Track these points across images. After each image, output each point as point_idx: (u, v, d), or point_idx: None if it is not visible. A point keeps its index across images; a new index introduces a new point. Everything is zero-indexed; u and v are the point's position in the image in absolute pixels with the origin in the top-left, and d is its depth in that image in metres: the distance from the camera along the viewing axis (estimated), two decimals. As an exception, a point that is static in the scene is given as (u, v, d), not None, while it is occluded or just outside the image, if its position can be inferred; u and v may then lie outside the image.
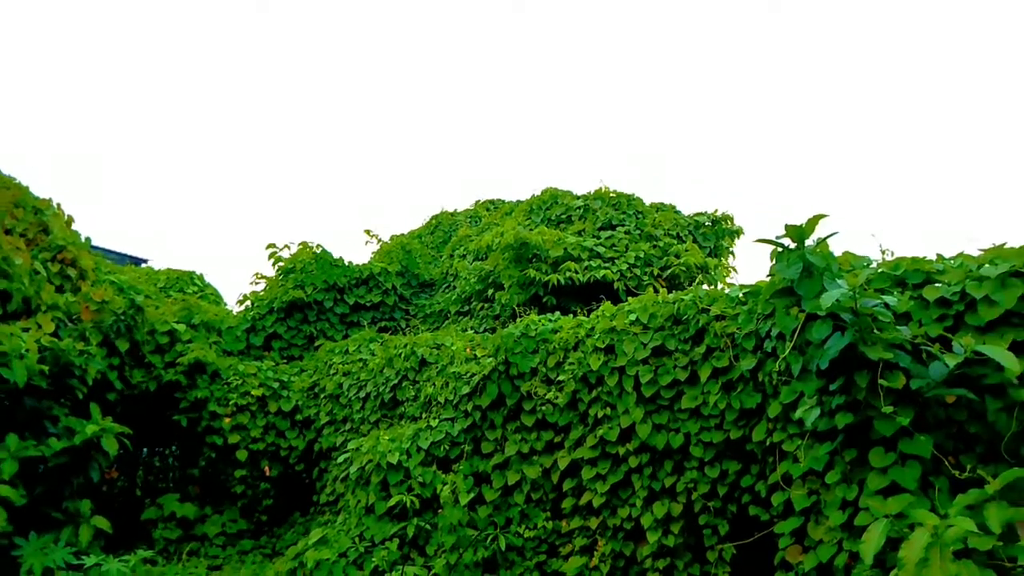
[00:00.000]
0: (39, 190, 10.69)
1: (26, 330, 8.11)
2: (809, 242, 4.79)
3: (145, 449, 11.18)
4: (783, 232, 4.89)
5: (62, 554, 7.07)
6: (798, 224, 4.79)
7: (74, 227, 11.04)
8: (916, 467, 4.06)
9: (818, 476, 4.72)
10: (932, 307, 4.47)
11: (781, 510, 5.10)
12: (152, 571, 7.76)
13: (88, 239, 11.29)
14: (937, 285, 4.56)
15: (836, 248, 4.97)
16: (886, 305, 4.31)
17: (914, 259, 4.85)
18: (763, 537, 5.33)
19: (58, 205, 10.88)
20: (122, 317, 9.60)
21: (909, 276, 4.75)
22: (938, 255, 4.89)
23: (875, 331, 4.22)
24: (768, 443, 5.27)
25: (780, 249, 4.86)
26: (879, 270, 4.90)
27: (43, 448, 7.56)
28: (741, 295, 5.78)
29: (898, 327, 4.23)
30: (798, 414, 4.71)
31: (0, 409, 7.69)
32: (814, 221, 4.77)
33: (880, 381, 4.12)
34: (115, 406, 9.34)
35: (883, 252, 5.25)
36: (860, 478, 4.38)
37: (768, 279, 5.21)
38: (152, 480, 11.18)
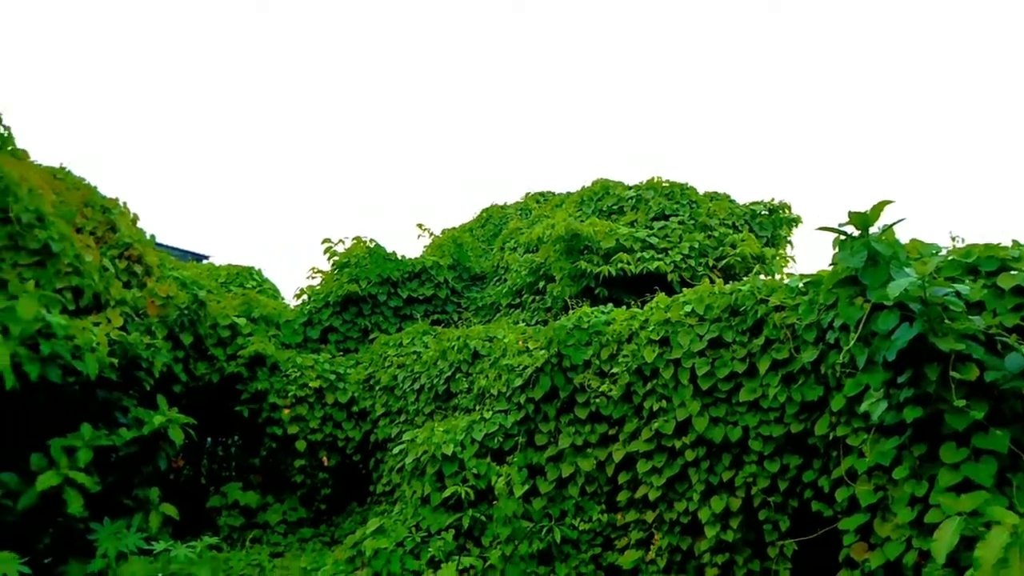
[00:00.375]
0: (105, 190, 11.11)
1: (96, 324, 8.45)
2: (874, 229, 4.63)
3: (209, 439, 11.55)
4: (845, 220, 4.74)
5: (134, 539, 7.36)
6: (862, 211, 4.63)
7: (139, 225, 11.47)
8: (992, 463, 3.89)
9: (885, 472, 4.56)
10: (1008, 296, 4.26)
11: (845, 506, 4.95)
12: (217, 557, 8.01)
13: (153, 236, 11.72)
14: (1013, 272, 4.35)
15: (903, 236, 4.80)
16: (958, 294, 4.13)
17: (987, 246, 4.63)
18: (826, 534, 5.19)
19: (124, 204, 11.29)
20: (186, 311, 9.93)
21: (982, 263, 4.54)
22: (1014, 241, 4.66)
23: (946, 321, 4.05)
24: (831, 437, 5.12)
25: (843, 237, 4.71)
26: (949, 258, 4.70)
27: (114, 438, 7.88)
28: (801, 285, 5.62)
29: (970, 317, 4.05)
30: (863, 408, 4.56)
31: (74, 400, 8.04)
32: (879, 207, 4.60)
33: (952, 373, 3.96)
34: (180, 398, 9.66)
35: (953, 239, 5.04)
36: (930, 474, 4.22)
37: (830, 268, 5.05)
38: (216, 469, 11.54)
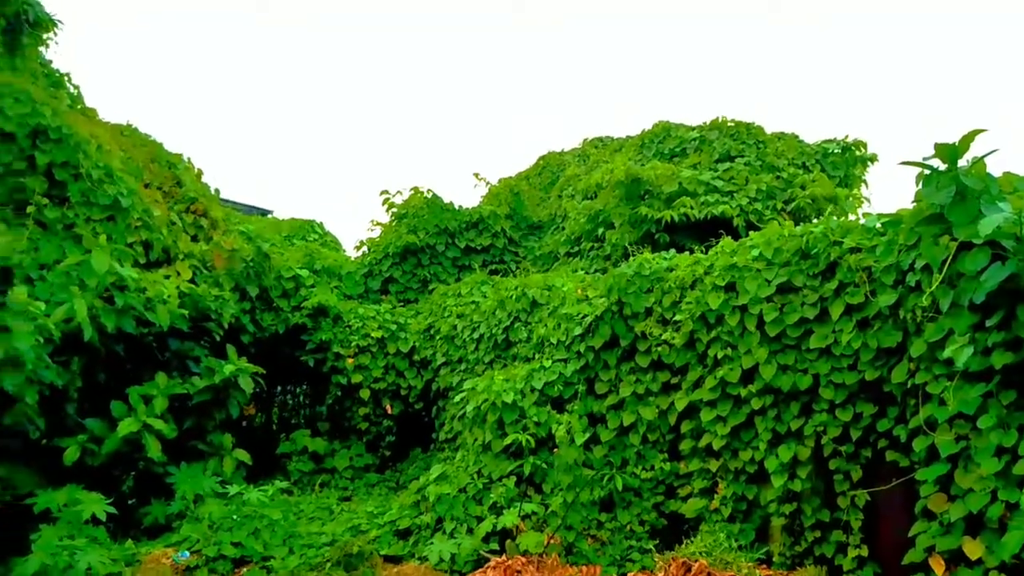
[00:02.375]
0: (168, 147, 11.35)
1: (167, 277, 8.72)
2: (962, 163, 4.30)
3: (278, 388, 11.93)
4: (931, 153, 4.40)
5: (210, 482, 7.70)
6: (950, 143, 4.29)
7: (203, 180, 11.71)
8: (1090, 411, 3.61)
9: (968, 420, 4.30)
10: (1116, 231, 3.89)
11: (924, 456, 4.72)
12: (288, 500, 8.31)
13: (217, 191, 11.94)
14: (1123, 206, 3.96)
15: (995, 170, 4.43)
16: (1059, 230, 3.79)
17: (1093, 177, 4.23)
18: (902, 484, 4.97)
19: (189, 159, 11.54)
20: (251, 264, 10.15)
21: (1087, 197, 4.15)
22: (1124, 171, 4.23)
23: (1044, 260, 3.73)
24: (909, 384, 4.86)
25: (928, 172, 4.39)
26: (1049, 191, 4.31)
27: (187, 386, 8.19)
28: (879, 225, 5.28)
29: (1073, 255, 3.72)
30: (947, 353, 4.29)
31: (148, 350, 8.36)
32: (969, 138, 4.26)
33: (1049, 316, 3.67)
34: (248, 348, 9.96)
35: (1053, 171, 4.61)
36: (1019, 423, 3.97)
37: (912, 206, 4.73)
38: (286, 417, 11.95)
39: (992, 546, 4.09)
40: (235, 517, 6.80)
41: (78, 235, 7.95)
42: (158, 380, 7.90)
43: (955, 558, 4.41)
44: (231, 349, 8.77)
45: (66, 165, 8.18)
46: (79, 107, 10.50)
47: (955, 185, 4.18)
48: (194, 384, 8.24)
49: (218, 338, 9.09)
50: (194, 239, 10.33)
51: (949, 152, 4.26)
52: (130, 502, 7.64)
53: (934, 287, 4.34)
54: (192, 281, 9.22)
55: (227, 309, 9.21)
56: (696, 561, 4.87)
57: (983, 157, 4.26)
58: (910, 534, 4.69)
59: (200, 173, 11.70)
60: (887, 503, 5.21)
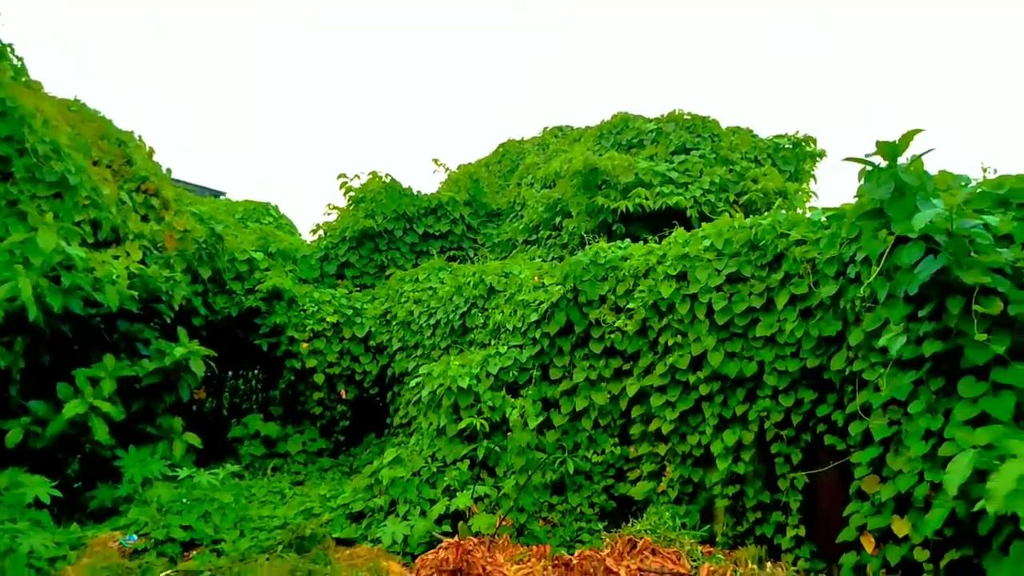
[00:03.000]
0: (119, 124, 11.04)
1: (116, 257, 8.53)
2: (902, 160, 4.48)
3: (230, 372, 11.77)
4: (873, 150, 4.58)
5: (158, 465, 7.60)
6: (890, 140, 4.47)
7: (155, 159, 11.44)
8: (1010, 397, 3.84)
9: (900, 406, 4.54)
10: (1038, 228, 4.13)
11: (859, 440, 4.95)
12: (240, 484, 8.25)
13: (169, 170, 11.68)
14: (1046, 205, 4.20)
15: (931, 168, 4.63)
16: (985, 226, 4.00)
17: (1020, 176, 4.47)
18: (838, 466, 5.21)
19: (140, 137, 11.25)
20: (204, 245, 9.97)
21: (1014, 195, 4.39)
22: (1048, 172, 4.48)
23: (972, 254, 3.94)
24: (847, 372, 5.09)
25: (870, 168, 4.56)
26: (979, 189, 4.54)
27: (137, 368, 8.05)
28: (824, 219, 5.49)
29: (998, 249, 3.93)
30: (882, 342, 4.50)
31: (96, 332, 8.18)
32: (908, 137, 4.44)
33: (974, 307, 3.89)
34: (200, 331, 9.81)
35: (984, 170, 4.86)
36: (946, 408, 4.19)
37: (855, 201, 4.92)
38: (237, 402, 11.80)
39: (917, 524, 4.33)
40: (185, 500, 6.73)
41: (23, 212, 7.73)
42: (106, 362, 7.74)
43: (884, 536, 4.65)
44: (182, 331, 8.63)
45: (10, 139, 7.92)
46: (23, 80, 10.13)
47: (894, 182, 4.36)
48: (143, 366, 8.10)
49: (169, 320, 8.93)
50: (144, 219, 10.10)
51: (889, 150, 4.44)
52: (76, 486, 7.49)
53: (872, 279, 4.53)
54: (142, 262, 9.03)
55: (178, 291, 9.05)
56: (641, 538, 5.03)
57: (920, 156, 4.45)
58: (844, 514, 4.92)
59: (152, 152, 11.43)
60: (824, 485, 5.44)
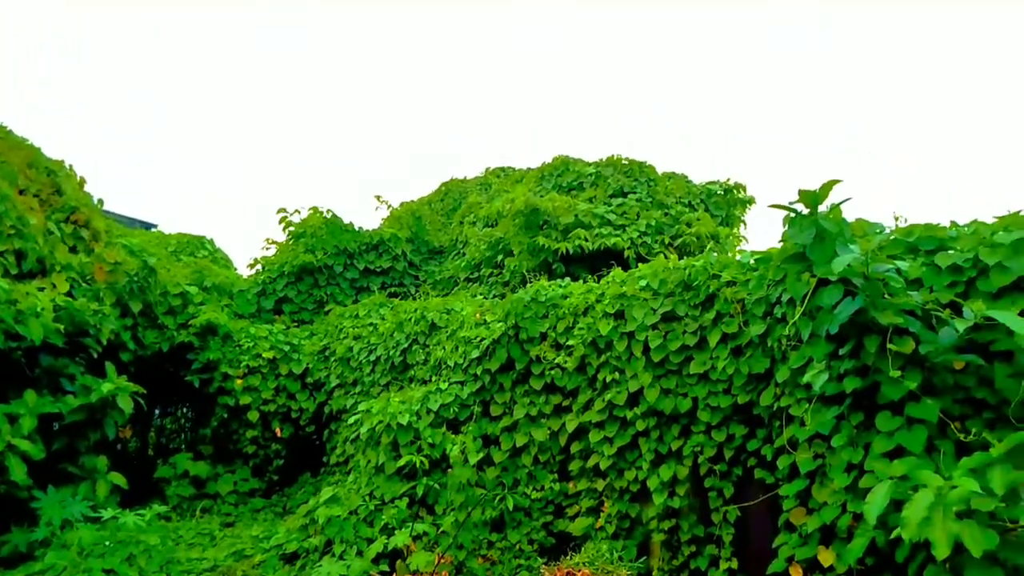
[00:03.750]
0: (49, 153, 10.71)
1: (41, 289, 8.21)
2: (822, 208, 4.78)
3: (158, 409, 11.35)
4: (796, 198, 4.88)
5: (80, 507, 7.24)
6: (812, 189, 4.78)
7: (85, 189, 11.10)
8: (922, 431, 4.10)
9: (824, 440, 4.77)
10: (944, 273, 4.47)
11: (787, 473, 5.17)
12: (167, 525, 7.93)
13: (100, 200, 11.34)
14: (950, 252, 4.55)
15: (849, 216, 4.97)
16: (898, 270, 4.31)
17: (928, 226, 4.84)
18: (768, 500, 5.40)
19: (70, 167, 10.91)
20: (135, 278, 9.69)
21: (922, 243, 4.74)
22: (952, 222, 4.87)
23: (886, 296, 4.23)
24: (775, 407, 5.32)
25: (793, 214, 4.86)
26: (892, 236, 4.89)
27: (60, 405, 7.70)
28: (752, 261, 5.78)
29: (909, 292, 4.23)
30: (806, 378, 4.75)
31: (17, 366, 7.82)
32: (828, 187, 4.75)
33: (889, 345, 4.15)
34: (128, 366, 9.46)
35: (896, 219, 5.23)
36: (866, 442, 4.43)
37: (780, 245, 5.21)
38: (164, 442, 11.36)
39: (841, 554, 4.53)
40: (108, 543, 6.42)
41: (-59, 240, 7.38)
42: (27, 398, 7.39)
43: (812, 566, 4.84)
44: (110, 367, 8.32)
45: (-69, 165, 7.60)
46: (-53, 104, 9.76)
47: (815, 228, 4.65)
48: (67, 403, 7.75)
49: (95, 355, 8.59)
50: (73, 250, 9.77)
51: (811, 198, 4.75)
52: (-13, 529, 7.07)
53: (797, 318, 4.79)
54: (69, 294, 8.72)
55: (106, 324, 8.74)
56: (580, 570, 5.09)
57: (839, 204, 4.77)
58: (773, 545, 5.10)
59: (83, 181, 11.09)
60: (755, 518, 5.63)
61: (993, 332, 4.03)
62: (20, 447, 7.01)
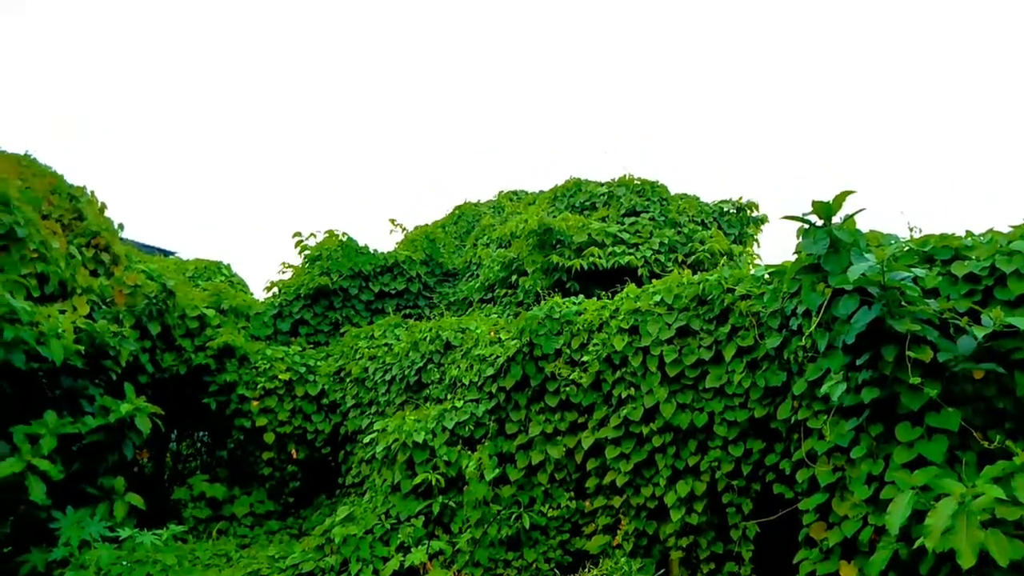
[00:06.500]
0: (70, 180, 10.93)
1: (62, 312, 8.33)
2: (836, 219, 4.78)
3: (175, 432, 11.40)
4: (809, 210, 4.89)
5: (98, 528, 7.27)
6: (825, 201, 4.79)
7: (106, 214, 11.30)
8: (943, 440, 4.05)
9: (843, 452, 4.72)
10: (960, 282, 4.45)
11: (806, 487, 5.10)
12: (184, 547, 7.93)
13: (121, 225, 11.54)
14: (966, 261, 4.53)
15: (863, 227, 4.97)
16: (915, 279, 4.29)
17: (943, 236, 4.82)
18: (787, 514, 5.34)
19: (92, 192, 11.13)
20: (154, 301, 9.81)
21: (937, 252, 4.73)
22: (967, 231, 4.86)
23: (903, 304, 4.21)
24: (793, 421, 5.28)
25: (807, 226, 4.86)
26: (907, 247, 4.88)
27: (79, 425, 7.77)
28: (766, 274, 5.78)
29: (926, 300, 4.21)
30: (824, 390, 4.72)
31: (38, 387, 7.91)
32: (841, 197, 4.76)
33: (908, 353, 4.12)
34: (146, 388, 9.54)
35: (911, 230, 5.22)
36: (886, 453, 4.38)
37: (794, 257, 5.21)
38: (181, 468, 11.38)
39: (863, 568, 4.45)
40: (125, 563, 6.46)
41: (-34, 264, 7.53)
42: (47, 419, 7.46)
43: (833, 582, 4.76)
44: (129, 388, 8.39)
45: (-43, 191, 7.79)
46: (-27, 133, 10.01)
47: (829, 238, 4.66)
48: (86, 423, 7.82)
49: (115, 377, 8.69)
50: (94, 274, 9.93)
51: (824, 209, 4.75)
52: (6, 550, 7.10)
53: (812, 330, 4.77)
54: (90, 317, 8.84)
55: (125, 346, 8.83)
56: (598, 585, 5.04)
57: (854, 214, 4.77)
58: (794, 561, 5.02)
59: (103, 207, 11.30)
60: (775, 533, 5.55)
61: (1013, 340, 4.00)
62: (40, 467, 7.07)
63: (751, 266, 10.11)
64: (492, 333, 8.06)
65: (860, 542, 4.50)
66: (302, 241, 13.28)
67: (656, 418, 6.20)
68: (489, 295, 12.06)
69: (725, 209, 11.65)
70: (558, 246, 10.45)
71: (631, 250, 10.23)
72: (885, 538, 4.23)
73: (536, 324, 7.23)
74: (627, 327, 6.59)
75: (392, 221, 15.12)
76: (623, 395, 6.50)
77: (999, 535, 3.37)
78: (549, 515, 6.79)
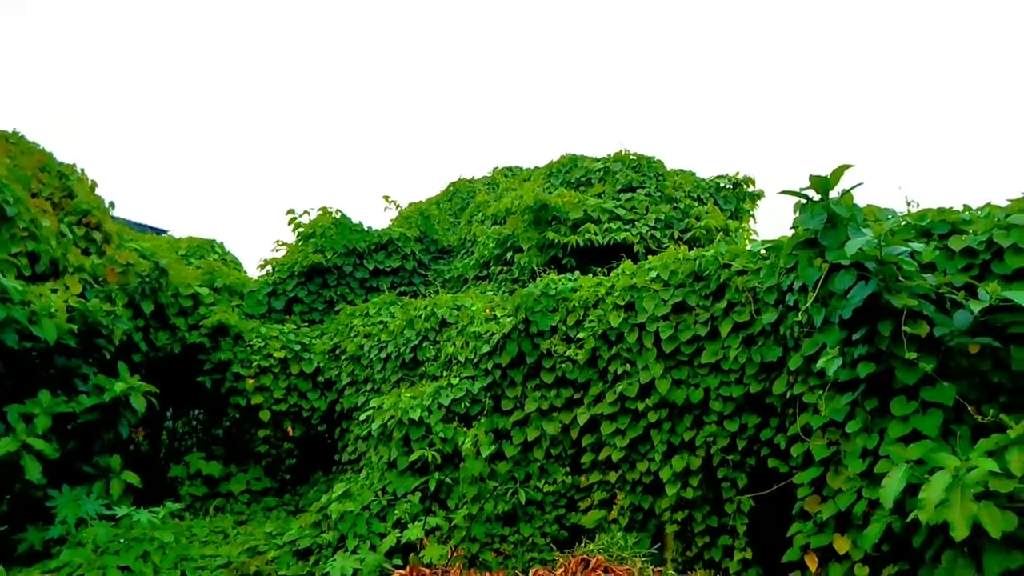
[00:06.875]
0: (62, 158, 10.81)
1: (54, 291, 8.26)
2: (833, 193, 4.74)
3: (170, 410, 11.40)
4: (807, 184, 4.85)
5: (94, 505, 7.28)
6: (823, 175, 4.75)
7: (97, 192, 11.18)
8: (938, 415, 4.06)
9: (838, 426, 4.73)
10: (958, 257, 4.43)
11: (800, 461, 5.13)
12: (180, 523, 7.96)
13: (112, 203, 11.42)
14: (963, 235, 4.51)
15: (860, 202, 4.93)
16: (911, 253, 4.27)
17: (940, 210, 4.80)
18: (781, 488, 5.37)
19: (82, 170, 11.00)
20: (147, 279, 9.74)
21: (935, 227, 4.70)
22: (965, 206, 4.83)
23: (900, 279, 4.19)
24: (788, 395, 5.28)
25: (804, 200, 4.82)
26: (904, 221, 4.85)
27: (74, 404, 7.75)
28: (763, 250, 5.75)
29: (923, 275, 4.20)
30: (819, 365, 4.72)
31: (32, 366, 7.88)
32: (839, 172, 4.72)
33: (904, 328, 4.11)
34: (140, 367, 9.52)
35: (908, 204, 5.20)
36: (881, 427, 4.39)
37: (791, 232, 5.18)
38: (176, 446, 11.39)
39: (857, 540, 4.49)
40: (123, 540, 6.46)
41: (-45, 242, 7.45)
42: (41, 398, 7.44)
43: (827, 554, 4.79)
44: (123, 367, 8.36)
45: (-55, 168, 7.67)
46: (-40, 109, 9.86)
47: (827, 213, 4.62)
48: (81, 402, 7.80)
49: (108, 356, 8.65)
50: (85, 252, 9.84)
51: (822, 183, 4.72)
52: (3, 528, 7.12)
53: (809, 305, 4.76)
54: (82, 295, 8.78)
55: (119, 325, 8.78)
56: (594, 557, 5.07)
57: (851, 189, 4.73)
58: (788, 534, 5.05)
59: (94, 185, 11.18)
60: (769, 507, 5.59)
61: (1010, 314, 3.99)
62: (35, 446, 7.06)
63: (747, 241, 10.09)
64: (488, 310, 8.04)
65: (854, 515, 4.53)
66: (296, 218, 13.20)
67: (652, 394, 6.21)
68: (484, 272, 12.03)
69: (721, 184, 11.60)
70: (554, 222, 10.40)
71: (627, 226, 10.18)
72: (879, 511, 4.25)
73: (532, 301, 7.21)
74: (623, 303, 6.58)
75: (386, 198, 15.02)
76: (619, 371, 6.51)
77: (992, 507, 3.39)
78: (545, 490, 6.82)
